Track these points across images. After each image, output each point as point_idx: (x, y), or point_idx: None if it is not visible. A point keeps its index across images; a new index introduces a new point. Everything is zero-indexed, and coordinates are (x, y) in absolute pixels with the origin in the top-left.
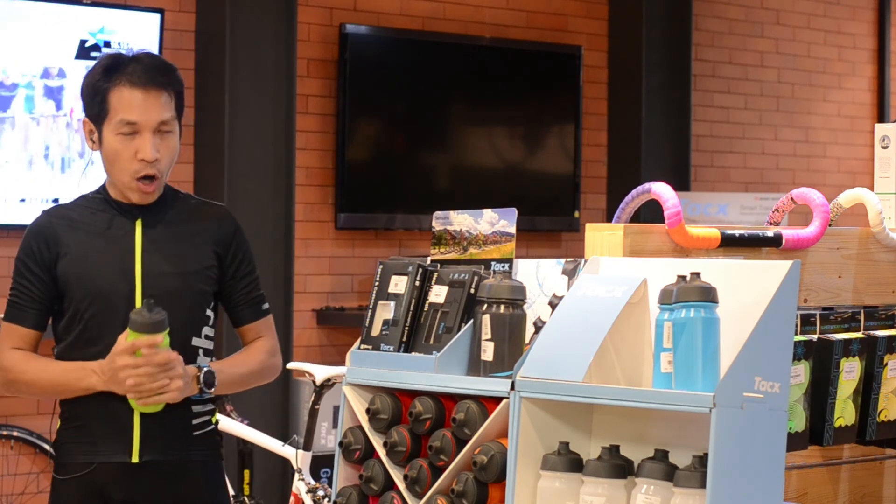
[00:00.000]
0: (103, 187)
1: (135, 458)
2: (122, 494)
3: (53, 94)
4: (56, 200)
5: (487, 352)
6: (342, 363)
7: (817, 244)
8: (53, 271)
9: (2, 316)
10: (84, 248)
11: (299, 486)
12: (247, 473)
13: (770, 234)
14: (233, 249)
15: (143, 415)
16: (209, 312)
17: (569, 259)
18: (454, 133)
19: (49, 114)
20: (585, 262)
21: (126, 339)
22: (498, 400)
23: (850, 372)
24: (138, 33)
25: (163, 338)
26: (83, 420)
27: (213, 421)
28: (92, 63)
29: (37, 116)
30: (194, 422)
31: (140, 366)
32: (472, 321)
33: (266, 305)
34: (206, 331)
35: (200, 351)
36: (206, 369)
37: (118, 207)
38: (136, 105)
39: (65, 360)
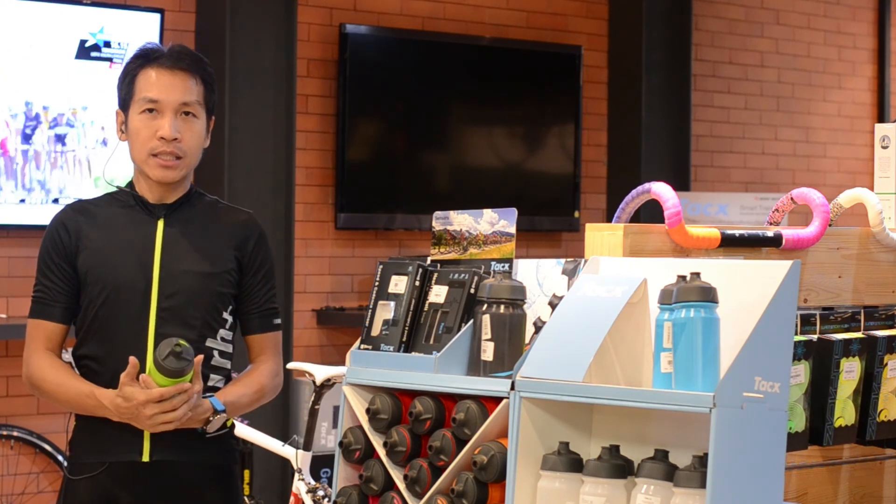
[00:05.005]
0: (131, 183)
1: (145, 457)
2: (133, 495)
3: (54, 94)
4: (56, 201)
5: (487, 352)
6: (342, 363)
7: (817, 244)
8: (75, 263)
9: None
10: (104, 242)
11: (299, 486)
12: (247, 473)
13: (770, 234)
14: (252, 256)
15: None
16: (227, 315)
17: (569, 259)
18: (454, 133)
19: (50, 114)
20: (585, 262)
21: (152, 380)
22: (498, 400)
23: (850, 372)
24: (138, 33)
25: (189, 378)
26: (96, 420)
27: (229, 424)
28: (92, 63)
29: (38, 116)
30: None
31: (176, 408)
32: (472, 321)
33: (277, 321)
34: (223, 333)
35: (216, 353)
36: (219, 415)
37: (142, 204)
38: (160, 84)
39: (80, 356)
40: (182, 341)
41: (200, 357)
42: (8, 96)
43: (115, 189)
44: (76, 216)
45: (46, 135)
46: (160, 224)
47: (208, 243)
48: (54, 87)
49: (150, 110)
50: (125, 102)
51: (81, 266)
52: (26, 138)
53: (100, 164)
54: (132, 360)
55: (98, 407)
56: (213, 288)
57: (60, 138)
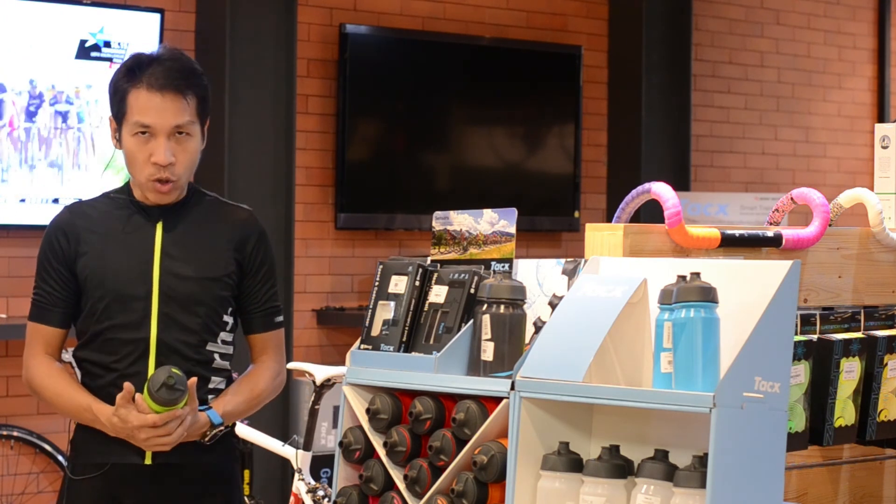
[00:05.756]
0: (127, 186)
1: (147, 460)
2: (135, 496)
3: (53, 94)
4: (56, 201)
5: (487, 352)
6: (342, 363)
7: (817, 244)
8: (74, 267)
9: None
10: (103, 247)
11: (299, 486)
12: (247, 473)
13: (770, 234)
14: (253, 256)
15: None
16: (227, 318)
17: (569, 259)
18: (454, 133)
19: (50, 114)
20: (585, 262)
21: (147, 407)
22: (498, 400)
23: (850, 372)
24: (138, 33)
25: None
26: None
27: (229, 424)
28: (92, 63)
29: (38, 116)
30: None
31: (170, 433)
32: (472, 321)
33: (279, 319)
34: (224, 336)
35: (216, 355)
36: (217, 429)
37: (140, 208)
38: (151, 108)
39: (81, 359)
40: (175, 370)
41: (194, 380)
42: (9, 91)
43: (112, 189)
44: (74, 219)
45: (49, 111)
46: (159, 227)
47: (208, 246)
48: (54, 87)
49: (143, 133)
50: (117, 117)
51: (81, 271)
52: (30, 116)
53: (102, 141)
54: (126, 385)
55: (95, 421)
56: (213, 292)
57: (62, 115)
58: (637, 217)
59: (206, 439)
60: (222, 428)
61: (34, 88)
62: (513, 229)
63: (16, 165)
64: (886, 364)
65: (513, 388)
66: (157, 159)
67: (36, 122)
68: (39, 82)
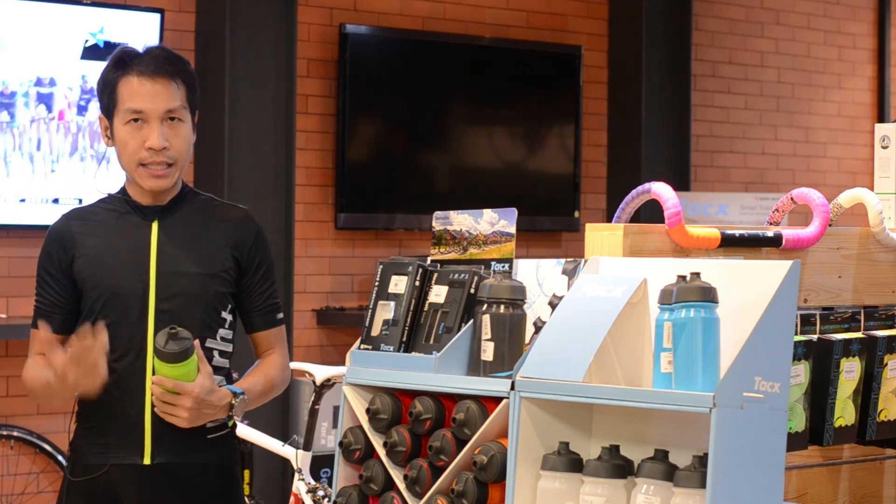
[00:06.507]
0: (123, 188)
1: (147, 460)
2: (134, 497)
3: (54, 95)
4: (56, 201)
5: (487, 352)
6: (342, 363)
7: (817, 244)
8: (70, 273)
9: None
10: (100, 248)
11: (299, 486)
12: (247, 473)
13: (770, 234)
14: (251, 253)
15: (154, 417)
16: (226, 315)
17: (569, 259)
18: (454, 133)
19: (51, 115)
20: (585, 262)
21: (163, 378)
22: (498, 400)
23: (850, 372)
24: (138, 33)
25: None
26: (97, 422)
27: (230, 424)
28: (93, 63)
29: (38, 117)
30: (209, 424)
31: (183, 402)
32: (472, 321)
33: (280, 315)
34: (223, 333)
35: (216, 353)
36: (240, 398)
37: (136, 207)
38: (143, 94)
39: None
40: (175, 326)
41: (197, 340)
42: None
43: (108, 194)
44: (70, 224)
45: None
46: (154, 226)
47: (204, 243)
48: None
49: (136, 119)
50: (108, 111)
51: (78, 274)
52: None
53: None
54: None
55: (53, 383)
56: (211, 289)
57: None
58: (637, 217)
59: (233, 411)
60: (245, 398)
61: (32, 87)
62: (513, 229)
63: (17, 160)
64: (886, 364)
65: (513, 388)
66: (151, 144)
67: (37, 115)
68: (43, 77)
